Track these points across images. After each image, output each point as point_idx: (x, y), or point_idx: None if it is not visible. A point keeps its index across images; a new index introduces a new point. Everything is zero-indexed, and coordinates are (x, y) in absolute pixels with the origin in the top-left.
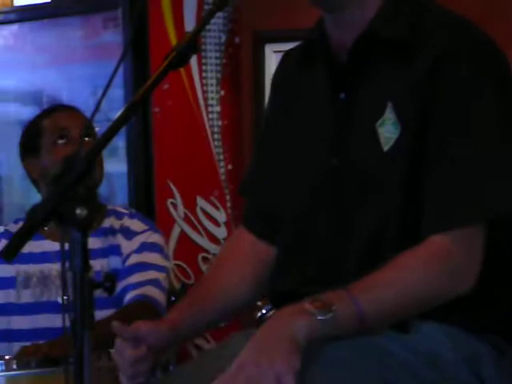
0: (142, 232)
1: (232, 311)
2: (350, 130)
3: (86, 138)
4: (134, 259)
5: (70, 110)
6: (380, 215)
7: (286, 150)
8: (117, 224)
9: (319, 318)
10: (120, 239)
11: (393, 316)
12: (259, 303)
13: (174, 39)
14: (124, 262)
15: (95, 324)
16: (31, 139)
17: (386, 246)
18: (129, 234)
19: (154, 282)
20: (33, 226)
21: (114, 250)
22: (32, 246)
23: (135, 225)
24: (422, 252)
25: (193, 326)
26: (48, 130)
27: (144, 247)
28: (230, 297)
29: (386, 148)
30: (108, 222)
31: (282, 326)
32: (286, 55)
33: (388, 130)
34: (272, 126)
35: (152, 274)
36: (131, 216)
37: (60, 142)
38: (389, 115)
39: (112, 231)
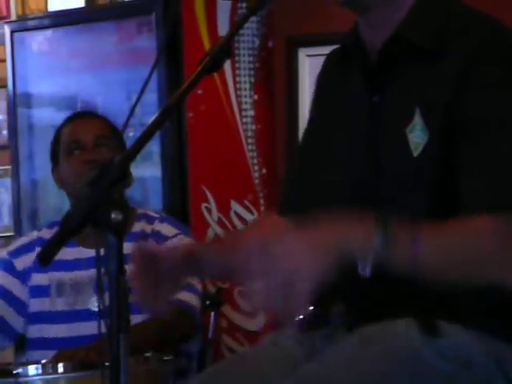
0: (174, 236)
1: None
2: (381, 133)
3: (102, 148)
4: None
5: (86, 117)
6: (412, 218)
7: (324, 151)
8: (148, 228)
9: (376, 240)
10: (152, 244)
11: (442, 270)
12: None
13: (207, 44)
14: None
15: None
16: (53, 150)
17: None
18: (160, 238)
19: (187, 287)
20: (68, 231)
21: None
22: (64, 253)
23: (166, 229)
24: (472, 231)
25: (208, 262)
26: (63, 142)
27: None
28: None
29: (415, 153)
30: (138, 227)
31: (335, 231)
32: (328, 58)
33: (417, 136)
34: (312, 128)
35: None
36: (162, 220)
37: (75, 152)
38: (417, 121)
39: (143, 236)
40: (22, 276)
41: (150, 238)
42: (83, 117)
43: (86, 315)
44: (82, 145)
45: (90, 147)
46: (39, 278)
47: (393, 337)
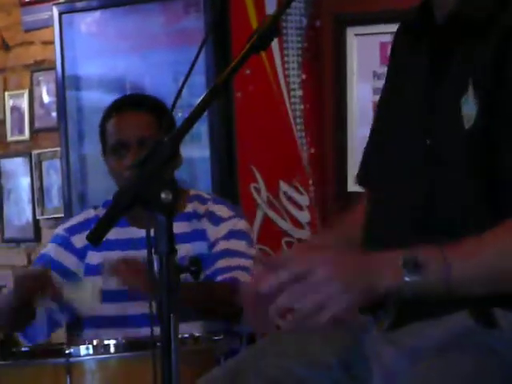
0: (229, 218)
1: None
2: (440, 108)
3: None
4: (222, 246)
5: (130, 111)
6: (462, 191)
7: (392, 125)
8: (201, 209)
9: (406, 278)
10: (206, 224)
11: (480, 286)
12: None
13: (255, 24)
14: (211, 247)
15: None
16: (101, 139)
17: (468, 218)
18: (215, 219)
19: (242, 268)
20: (118, 211)
21: (200, 234)
22: (118, 233)
23: (221, 210)
24: None
25: None
26: (109, 137)
27: (232, 235)
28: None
29: (467, 126)
30: (191, 207)
31: (371, 269)
32: (400, 25)
33: (469, 107)
34: (383, 101)
35: (240, 261)
36: (215, 201)
37: (121, 152)
38: (470, 92)
39: (196, 216)
40: (80, 253)
41: (203, 217)
42: (128, 111)
43: (137, 294)
44: (127, 145)
45: (135, 147)
46: (94, 257)
47: (464, 338)
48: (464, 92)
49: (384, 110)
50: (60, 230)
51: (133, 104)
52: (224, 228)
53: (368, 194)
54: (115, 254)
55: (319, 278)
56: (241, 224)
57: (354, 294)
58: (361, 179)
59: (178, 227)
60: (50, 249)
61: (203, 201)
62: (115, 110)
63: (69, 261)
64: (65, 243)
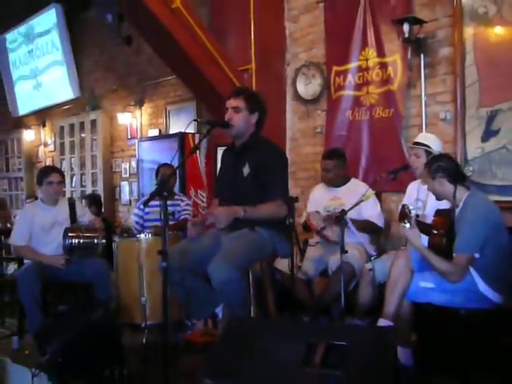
0: (187, 200)
1: None
2: (237, 172)
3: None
4: (183, 208)
5: (168, 166)
6: (248, 195)
7: (222, 179)
8: (178, 197)
9: (242, 213)
10: (179, 202)
11: (263, 218)
12: None
13: (193, 144)
14: (180, 210)
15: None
16: (156, 173)
17: (252, 202)
18: (182, 201)
19: (189, 214)
20: (151, 196)
21: (178, 206)
22: (154, 202)
23: (184, 199)
24: (271, 204)
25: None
26: (159, 174)
27: (187, 205)
28: None
29: (245, 175)
30: (176, 197)
31: (231, 211)
32: (225, 149)
33: (246, 170)
34: (220, 173)
35: (187, 212)
36: (183, 196)
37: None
38: (247, 165)
39: (177, 200)
40: (143, 210)
41: (179, 201)
42: (166, 166)
43: (158, 220)
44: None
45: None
46: (147, 209)
47: (247, 233)
48: (244, 165)
49: (218, 178)
50: (137, 204)
51: (167, 164)
52: (184, 203)
53: (217, 199)
54: (153, 208)
55: (215, 215)
56: (189, 202)
57: (228, 219)
58: (215, 195)
59: (172, 203)
60: (135, 211)
61: (179, 196)
62: (163, 166)
63: (141, 213)
64: (139, 208)
